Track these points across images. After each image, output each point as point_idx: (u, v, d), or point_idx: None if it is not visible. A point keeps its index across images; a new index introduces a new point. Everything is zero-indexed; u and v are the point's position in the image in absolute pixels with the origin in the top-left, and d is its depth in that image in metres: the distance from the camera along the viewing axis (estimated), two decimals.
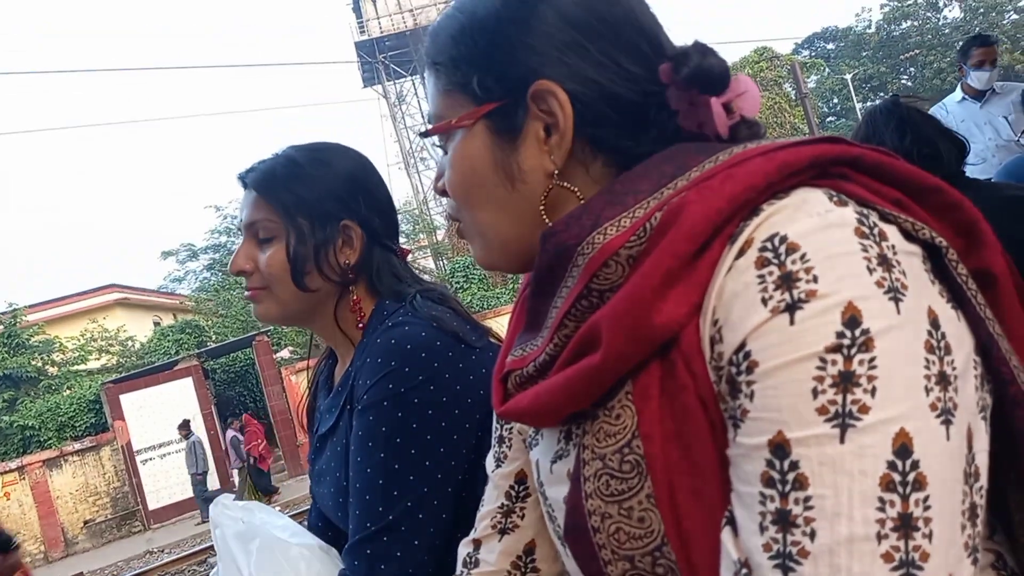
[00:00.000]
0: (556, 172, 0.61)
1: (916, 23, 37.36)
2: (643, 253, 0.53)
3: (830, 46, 42.17)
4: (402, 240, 1.23)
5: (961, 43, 4.00)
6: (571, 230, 0.58)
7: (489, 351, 1.06)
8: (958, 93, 3.91)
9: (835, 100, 38.71)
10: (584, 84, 0.59)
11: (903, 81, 37.68)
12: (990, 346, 0.49)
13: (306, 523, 1.22)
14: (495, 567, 0.78)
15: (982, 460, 0.47)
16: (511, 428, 0.80)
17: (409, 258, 1.23)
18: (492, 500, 0.80)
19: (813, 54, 40.36)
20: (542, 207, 0.62)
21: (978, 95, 3.83)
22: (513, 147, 0.62)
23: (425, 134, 0.68)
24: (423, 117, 35.36)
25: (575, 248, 0.57)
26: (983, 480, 0.47)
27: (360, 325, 1.12)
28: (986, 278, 0.51)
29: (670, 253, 0.50)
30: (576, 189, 0.61)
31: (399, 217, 1.23)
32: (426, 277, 1.21)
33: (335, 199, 1.11)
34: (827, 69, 37.05)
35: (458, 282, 18.49)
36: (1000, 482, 0.51)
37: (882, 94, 36.90)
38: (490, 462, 0.82)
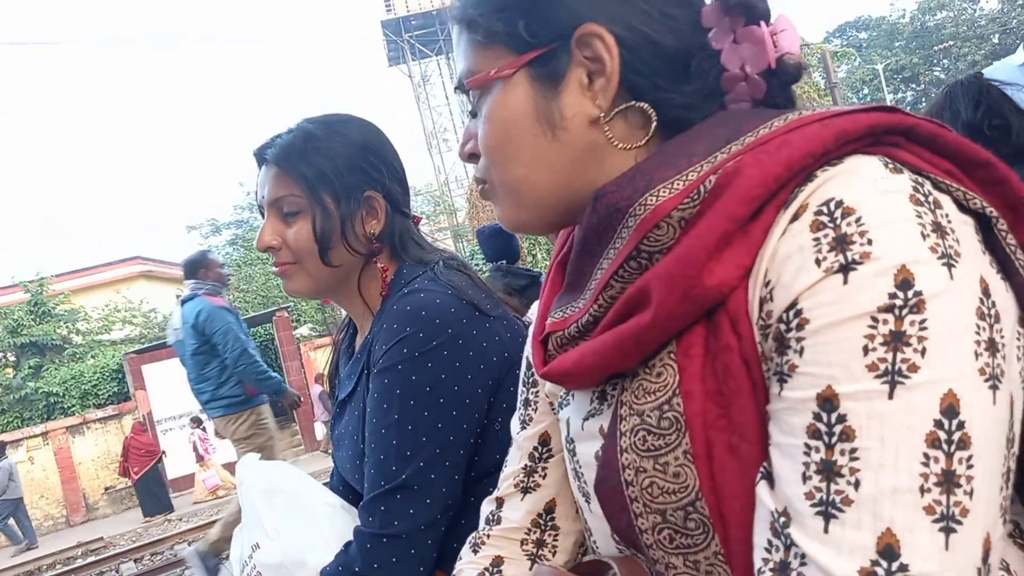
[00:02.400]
0: (601, 116, 0.60)
1: (951, 14, 36.55)
2: (696, 215, 0.53)
3: (862, 35, 41.43)
4: (423, 222, 1.25)
5: None
6: (623, 191, 0.58)
7: (504, 319, 1.08)
8: (1020, 56, 3.58)
9: (865, 91, 38.07)
10: (629, 29, 0.59)
11: (936, 73, 36.97)
12: None
13: (328, 487, 1.25)
14: (517, 524, 0.80)
15: (1019, 428, 0.48)
16: (537, 391, 0.81)
17: (429, 240, 1.24)
18: (515, 461, 0.82)
19: (844, 43, 39.68)
20: (581, 151, 0.62)
21: None
22: (555, 93, 0.61)
23: (462, 87, 0.67)
24: (446, 97, 35.29)
25: (627, 209, 0.57)
26: (1016, 447, 0.48)
27: (383, 293, 1.14)
28: None
29: (725, 215, 0.51)
30: (617, 134, 0.61)
31: (420, 198, 1.25)
32: (443, 248, 1.23)
33: (357, 170, 1.12)
34: (858, 59, 36.39)
35: (477, 264, 18.54)
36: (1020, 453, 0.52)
37: (914, 86, 36.27)
38: (515, 424, 0.83)
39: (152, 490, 12.71)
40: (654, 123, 0.61)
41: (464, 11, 0.66)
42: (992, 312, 0.46)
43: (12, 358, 17.81)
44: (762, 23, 0.59)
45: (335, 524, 1.07)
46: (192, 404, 14.96)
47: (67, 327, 18.52)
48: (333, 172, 1.11)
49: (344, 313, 1.28)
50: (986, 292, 0.47)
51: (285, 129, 1.18)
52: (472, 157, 0.70)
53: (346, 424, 1.16)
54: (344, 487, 1.18)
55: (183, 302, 4.59)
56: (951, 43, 34.72)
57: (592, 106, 0.61)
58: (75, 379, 16.19)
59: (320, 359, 15.21)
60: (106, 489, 15.07)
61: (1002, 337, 0.46)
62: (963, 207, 0.50)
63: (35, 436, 14.74)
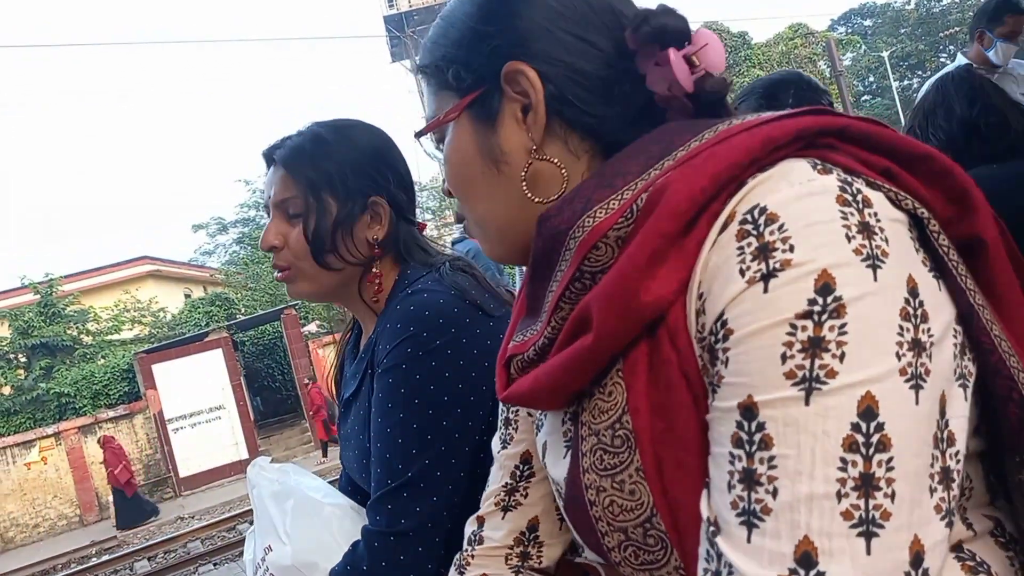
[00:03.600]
0: (534, 148, 0.62)
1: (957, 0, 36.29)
2: (631, 234, 0.54)
3: (867, 23, 41.17)
4: (428, 217, 1.26)
5: (991, 4, 3.21)
6: (563, 214, 0.59)
7: (507, 319, 1.09)
8: (962, 61, 3.26)
9: (871, 79, 37.86)
10: (550, 63, 0.61)
11: (942, 59, 36.69)
12: (971, 316, 0.49)
13: (337, 487, 1.26)
14: (499, 543, 0.80)
15: (957, 425, 0.47)
16: (517, 411, 0.82)
17: (435, 234, 1.26)
18: (497, 480, 0.82)
19: (849, 31, 39.44)
20: (523, 182, 0.64)
21: (992, 69, 3.16)
22: (493, 131, 0.64)
23: (419, 133, 0.71)
24: None
25: (567, 232, 0.58)
26: (959, 445, 0.47)
27: (375, 299, 1.15)
28: (977, 245, 0.51)
29: (655, 233, 0.51)
30: (556, 160, 0.63)
31: (425, 194, 1.26)
32: (449, 251, 1.24)
33: (363, 175, 1.13)
34: (863, 46, 36.18)
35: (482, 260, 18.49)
36: (996, 449, 0.52)
37: (920, 73, 36.03)
38: (496, 443, 0.84)
39: (130, 501, 12.55)
40: (588, 147, 0.63)
41: (420, 61, 0.71)
42: (919, 312, 0.46)
43: (23, 359, 17.93)
44: (671, 50, 0.59)
45: (344, 526, 1.09)
46: (201, 403, 15.14)
47: (77, 328, 18.61)
48: (338, 176, 1.12)
49: (348, 313, 1.30)
50: (913, 292, 0.46)
51: (295, 131, 1.19)
52: (450, 194, 0.72)
53: (351, 424, 1.17)
54: (353, 487, 1.19)
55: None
56: (957, 29, 34.42)
57: (527, 138, 0.63)
58: (86, 379, 16.28)
59: (329, 356, 15.25)
60: None
61: (930, 336, 0.46)
62: (897, 205, 0.49)
63: (47, 436, 14.85)
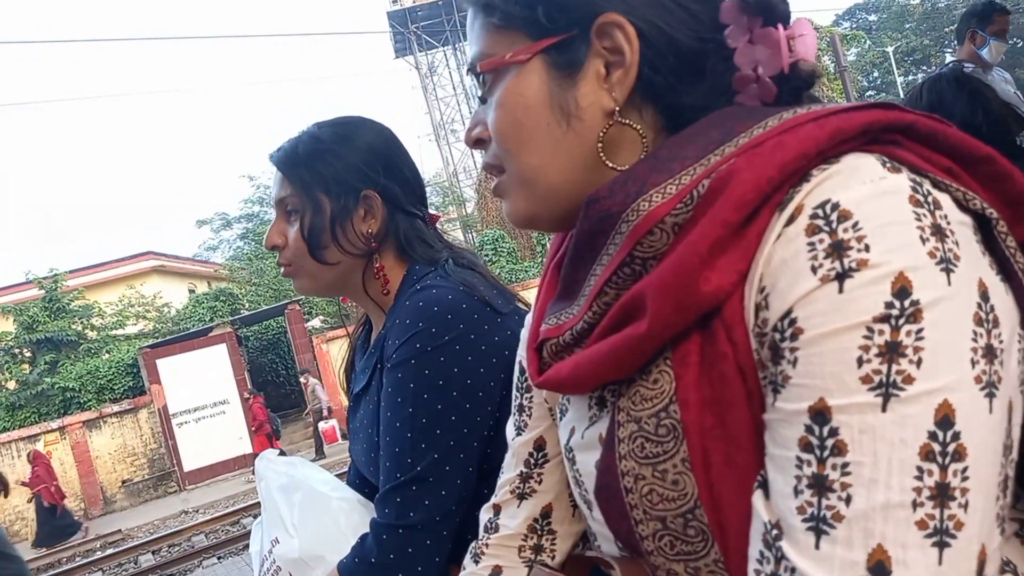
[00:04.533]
0: (618, 109, 0.59)
1: None
2: (690, 221, 0.52)
3: (872, 18, 40.99)
4: (431, 211, 1.26)
5: (980, 5, 3.36)
6: (615, 197, 0.57)
7: (515, 315, 1.10)
8: (964, 64, 3.28)
9: (876, 74, 37.70)
10: (648, 23, 0.58)
11: (947, 55, 36.52)
12: None
13: (345, 481, 1.27)
14: (514, 531, 0.80)
15: (1016, 433, 0.47)
16: (531, 397, 0.81)
17: (446, 237, 1.26)
18: (511, 468, 0.82)
19: (854, 26, 39.27)
20: (600, 144, 0.60)
21: (985, 68, 3.25)
22: (572, 82, 0.60)
23: (474, 69, 0.65)
24: (454, 88, 35.15)
25: (619, 215, 0.56)
26: (1015, 452, 0.47)
27: (385, 292, 1.16)
28: None
29: (718, 222, 0.50)
30: (638, 126, 0.60)
31: (428, 189, 1.26)
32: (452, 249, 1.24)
33: (353, 171, 1.15)
34: (868, 42, 36.04)
35: (487, 255, 18.50)
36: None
37: (925, 68, 35.87)
38: (510, 430, 0.83)
39: (57, 519, 12.14)
40: (661, 123, 0.60)
41: None
42: (990, 317, 0.45)
43: (28, 354, 17.98)
44: (780, 26, 0.57)
45: (352, 519, 1.10)
46: (205, 398, 15.17)
47: (82, 323, 18.66)
48: (329, 173, 1.14)
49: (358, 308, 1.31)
50: (984, 296, 0.45)
51: (296, 133, 1.21)
52: (479, 143, 0.68)
53: (361, 418, 1.18)
54: (361, 480, 1.20)
55: None
56: None
57: (608, 98, 0.59)
58: (91, 374, 16.32)
59: (333, 351, 15.29)
60: (123, 482, 15.23)
61: (1000, 342, 0.45)
62: (962, 206, 0.48)
63: (52, 431, 14.90)
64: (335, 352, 15.15)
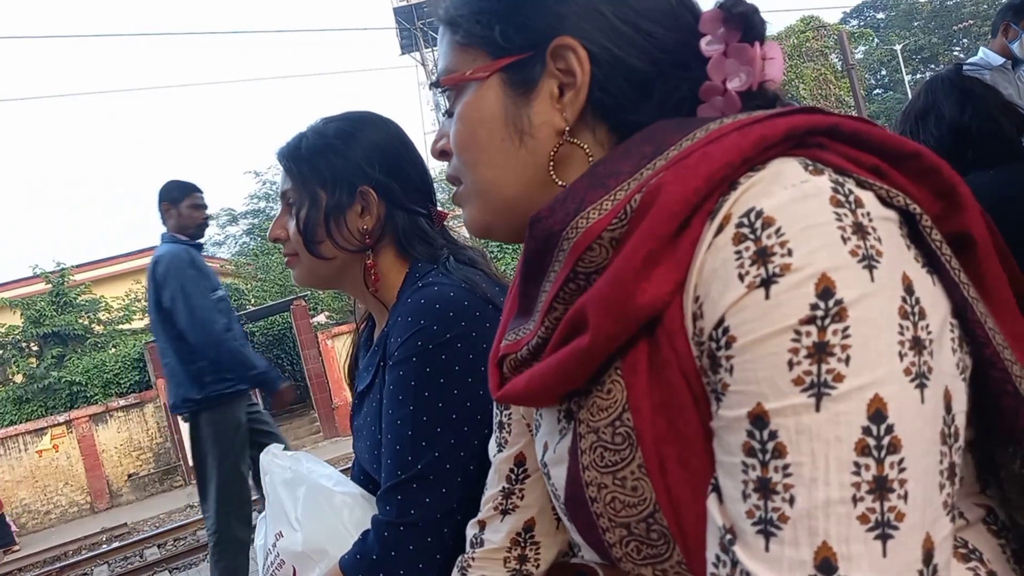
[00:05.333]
0: (567, 129, 0.61)
1: None
2: (625, 235, 0.54)
3: (880, 16, 40.78)
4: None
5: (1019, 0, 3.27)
6: (556, 215, 0.58)
7: None
8: (993, 56, 3.32)
9: (883, 72, 37.52)
10: (601, 48, 0.60)
11: (955, 53, 36.32)
12: (965, 309, 0.50)
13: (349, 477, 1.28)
14: (498, 545, 0.82)
15: (961, 421, 0.48)
16: (510, 414, 0.83)
17: (454, 235, 1.27)
18: (494, 484, 0.84)
19: (862, 24, 39.09)
20: (551, 163, 0.62)
21: (1017, 62, 3.21)
22: (526, 101, 0.62)
23: (436, 83, 0.68)
24: None
25: (560, 233, 0.58)
26: (961, 440, 0.48)
27: (375, 290, 1.17)
28: (965, 241, 0.52)
29: (649, 235, 0.51)
30: (585, 146, 0.62)
31: (435, 186, 1.27)
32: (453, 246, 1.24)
33: (352, 167, 1.16)
34: (876, 39, 35.84)
35: (492, 252, 18.51)
36: (989, 441, 0.52)
37: (933, 66, 35.65)
38: (492, 447, 0.85)
39: None
40: (613, 140, 0.62)
41: (447, 12, 0.68)
42: (916, 309, 0.46)
43: (35, 348, 18.06)
44: (756, 44, 0.59)
45: (355, 514, 1.11)
46: None
47: (88, 317, 18.71)
48: (327, 168, 1.16)
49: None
50: (909, 289, 0.46)
51: (303, 128, 1.23)
52: (443, 155, 0.71)
53: (364, 415, 1.19)
54: (364, 477, 1.20)
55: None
56: (971, 22, 34.09)
57: (560, 118, 0.62)
58: (97, 368, 16.38)
59: (338, 347, 15.31)
60: (129, 476, 15.29)
61: (929, 333, 0.46)
62: (887, 203, 0.49)
63: (59, 424, 14.96)
64: (340, 348, 15.18)
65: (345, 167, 1.16)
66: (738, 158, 0.50)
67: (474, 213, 0.69)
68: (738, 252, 0.47)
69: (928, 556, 0.44)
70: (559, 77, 0.61)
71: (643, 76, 0.60)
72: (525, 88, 0.62)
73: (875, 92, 36.27)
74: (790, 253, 0.45)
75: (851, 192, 0.48)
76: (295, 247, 1.19)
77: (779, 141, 0.51)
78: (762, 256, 0.46)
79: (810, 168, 0.49)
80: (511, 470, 0.82)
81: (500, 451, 0.83)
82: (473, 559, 0.84)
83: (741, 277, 0.47)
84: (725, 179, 0.50)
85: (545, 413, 0.70)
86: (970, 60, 3.41)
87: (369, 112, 1.24)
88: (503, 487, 0.82)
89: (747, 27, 0.59)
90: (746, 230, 0.47)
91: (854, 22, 39.44)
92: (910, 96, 2.03)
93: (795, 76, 20.58)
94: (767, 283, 0.46)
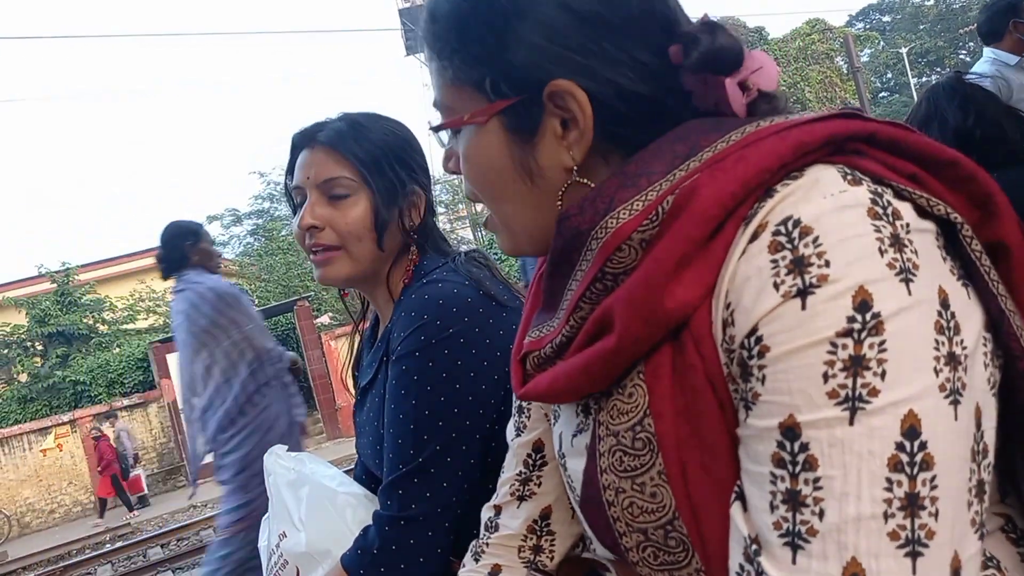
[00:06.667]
0: (575, 168, 0.60)
1: None
2: (656, 237, 0.53)
3: (886, 18, 40.76)
4: (441, 210, 1.29)
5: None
6: (585, 214, 0.57)
7: (521, 311, 1.10)
8: (1007, 56, 3.25)
9: (889, 75, 37.49)
10: (599, 82, 0.57)
11: (961, 56, 36.29)
12: (1000, 321, 0.49)
13: (352, 476, 1.28)
14: (514, 531, 0.81)
15: (991, 437, 0.47)
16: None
17: (448, 228, 1.29)
18: (511, 467, 0.83)
19: (868, 27, 39.06)
20: (559, 203, 0.61)
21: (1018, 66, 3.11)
22: (531, 144, 0.60)
23: (437, 128, 0.66)
24: None
25: (589, 232, 0.57)
26: (991, 456, 0.47)
27: (405, 282, 1.17)
28: (1001, 251, 0.51)
29: (683, 237, 0.51)
30: (594, 184, 0.60)
31: (439, 187, 1.29)
32: (464, 248, 1.27)
33: (403, 164, 1.17)
34: (882, 42, 35.84)
35: (495, 253, 18.53)
36: (1011, 450, 0.51)
37: (939, 69, 35.64)
38: (510, 431, 0.85)
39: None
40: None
41: (432, 42, 0.64)
42: (952, 324, 0.46)
43: (40, 347, 18.12)
44: (727, 80, 0.56)
45: (358, 514, 1.11)
46: None
47: (93, 317, 18.77)
48: (385, 159, 1.15)
49: (359, 303, 1.32)
50: (945, 304, 0.46)
51: (326, 118, 1.21)
52: (456, 171, 0.69)
53: (367, 411, 1.19)
54: (366, 475, 1.21)
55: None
56: (977, 25, 33.98)
57: (567, 156, 0.59)
58: (101, 368, 16.43)
59: (342, 348, 15.32)
60: None
61: (963, 349, 0.46)
62: (925, 212, 0.49)
63: (63, 424, 15.00)
64: (344, 349, 15.17)
65: (399, 163, 1.17)
66: (776, 163, 0.49)
67: (503, 240, 0.68)
68: (774, 261, 0.47)
69: (955, 574, 0.44)
70: (560, 114, 0.58)
71: (651, 100, 0.58)
72: (527, 132, 0.60)
73: (881, 95, 36.22)
74: (828, 264, 0.45)
75: (889, 204, 0.47)
76: (343, 238, 1.13)
77: (818, 147, 0.50)
78: (799, 266, 0.45)
79: (848, 177, 0.48)
80: (528, 455, 0.81)
81: (518, 435, 0.82)
82: (488, 544, 0.83)
83: (776, 286, 0.46)
84: (761, 184, 0.49)
85: (564, 405, 0.69)
86: (977, 66, 3.38)
87: (383, 114, 1.25)
88: (520, 471, 0.82)
89: (712, 66, 0.56)
90: (783, 238, 0.47)
91: (860, 25, 39.41)
92: (916, 99, 2.02)
93: (801, 79, 20.57)
94: (803, 293, 0.45)
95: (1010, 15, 3.25)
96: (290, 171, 1.21)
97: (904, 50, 33.85)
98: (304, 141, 1.18)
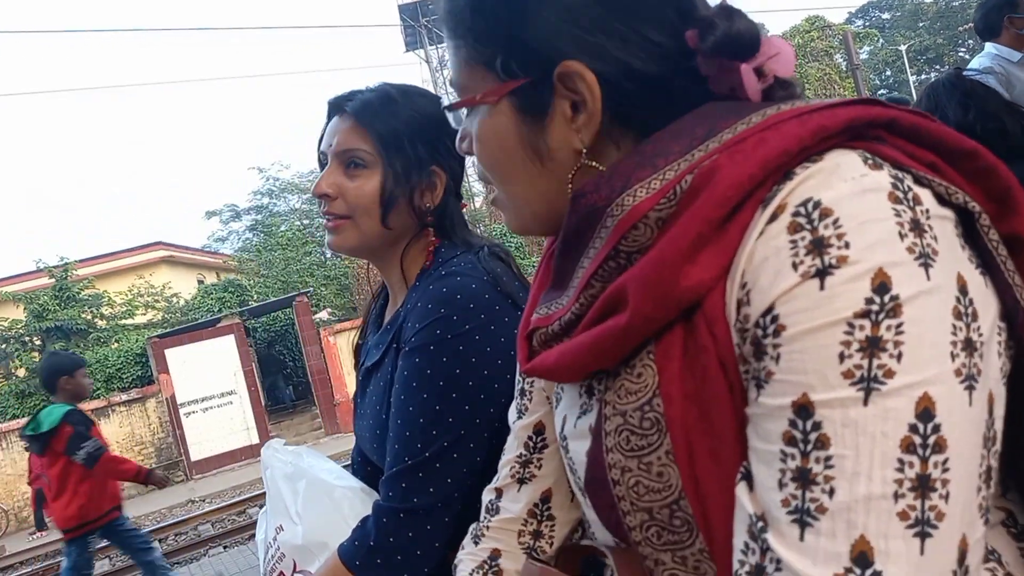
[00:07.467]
0: (584, 151, 0.60)
1: None
2: (672, 216, 0.53)
3: (885, 16, 40.71)
4: (479, 193, 1.28)
5: None
6: (601, 192, 0.58)
7: None
8: (1008, 51, 3.23)
9: (888, 72, 37.46)
10: (610, 63, 0.58)
11: (960, 54, 36.26)
12: (1015, 312, 0.49)
13: (349, 458, 1.28)
14: (515, 515, 0.81)
15: (1000, 425, 0.48)
16: (532, 382, 0.82)
17: (486, 210, 1.27)
18: (512, 449, 0.83)
19: (867, 24, 39.03)
20: (570, 185, 0.62)
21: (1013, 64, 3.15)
22: (540, 125, 0.61)
23: (451, 107, 0.68)
24: None
25: (604, 210, 0.57)
26: (999, 444, 0.48)
27: (427, 265, 1.16)
28: (1017, 244, 0.51)
29: (700, 218, 0.50)
30: (604, 168, 0.60)
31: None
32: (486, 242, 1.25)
33: (426, 142, 1.15)
34: (881, 40, 35.78)
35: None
36: (1017, 443, 0.51)
37: (938, 67, 35.61)
38: (512, 413, 0.85)
39: None
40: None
41: (449, 20, 0.65)
42: (969, 310, 0.46)
43: (38, 342, 18.09)
44: (742, 65, 0.57)
45: (355, 507, 1.11)
46: (213, 388, 15.27)
47: (91, 312, 18.74)
48: (407, 137, 1.14)
49: (366, 296, 1.32)
50: (963, 290, 0.46)
51: (365, 86, 1.20)
52: (470, 152, 0.70)
53: (371, 394, 1.18)
54: (362, 459, 1.19)
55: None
56: None
57: (576, 139, 0.60)
58: (100, 363, 16.40)
59: (340, 343, 15.33)
60: None
61: (980, 335, 0.46)
62: (944, 201, 0.49)
63: None
64: (343, 344, 15.18)
65: (420, 140, 1.15)
66: (796, 146, 0.49)
67: (510, 219, 0.69)
68: (793, 241, 0.47)
69: (962, 557, 0.44)
70: (570, 96, 0.59)
71: (663, 81, 0.58)
72: (538, 113, 0.61)
73: (880, 93, 36.13)
74: (847, 246, 0.45)
75: (910, 189, 0.47)
76: (354, 209, 1.14)
77: (838, 132, 0.50)
78: (818, 246, 0.46)
79: (869, 162, 0.48)
80: (530, 437, 0.81)
81: (520, 417, 0.83)
82: (488, 527, 0.83)
83: (795, 266, 0.46)
84: (781, 167, 0.49)
85: (566, 387, 0.69)
86: (977, 61, 3.37)
87: (419, 87, 1.23)
88: (520, 453, 0.82)
89: (727, 50, 0.57)
90: (802, 219, 0.47)
91: (859, 22, 39.38)
92: (915, 96, 2.03)
93: (800, 76, 20.55)
94: (822, 274, 0.45)
95: (1005, 10, 3.24)
96: (323, 135, 1.21)
97: (903, 47, 33.83)
98: (335, 108, 1.19)
